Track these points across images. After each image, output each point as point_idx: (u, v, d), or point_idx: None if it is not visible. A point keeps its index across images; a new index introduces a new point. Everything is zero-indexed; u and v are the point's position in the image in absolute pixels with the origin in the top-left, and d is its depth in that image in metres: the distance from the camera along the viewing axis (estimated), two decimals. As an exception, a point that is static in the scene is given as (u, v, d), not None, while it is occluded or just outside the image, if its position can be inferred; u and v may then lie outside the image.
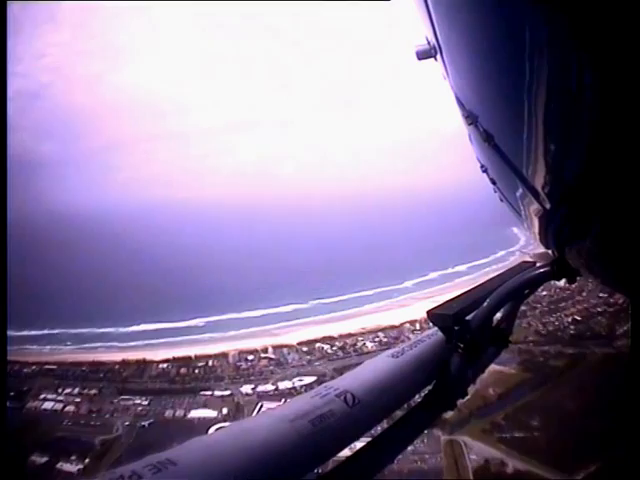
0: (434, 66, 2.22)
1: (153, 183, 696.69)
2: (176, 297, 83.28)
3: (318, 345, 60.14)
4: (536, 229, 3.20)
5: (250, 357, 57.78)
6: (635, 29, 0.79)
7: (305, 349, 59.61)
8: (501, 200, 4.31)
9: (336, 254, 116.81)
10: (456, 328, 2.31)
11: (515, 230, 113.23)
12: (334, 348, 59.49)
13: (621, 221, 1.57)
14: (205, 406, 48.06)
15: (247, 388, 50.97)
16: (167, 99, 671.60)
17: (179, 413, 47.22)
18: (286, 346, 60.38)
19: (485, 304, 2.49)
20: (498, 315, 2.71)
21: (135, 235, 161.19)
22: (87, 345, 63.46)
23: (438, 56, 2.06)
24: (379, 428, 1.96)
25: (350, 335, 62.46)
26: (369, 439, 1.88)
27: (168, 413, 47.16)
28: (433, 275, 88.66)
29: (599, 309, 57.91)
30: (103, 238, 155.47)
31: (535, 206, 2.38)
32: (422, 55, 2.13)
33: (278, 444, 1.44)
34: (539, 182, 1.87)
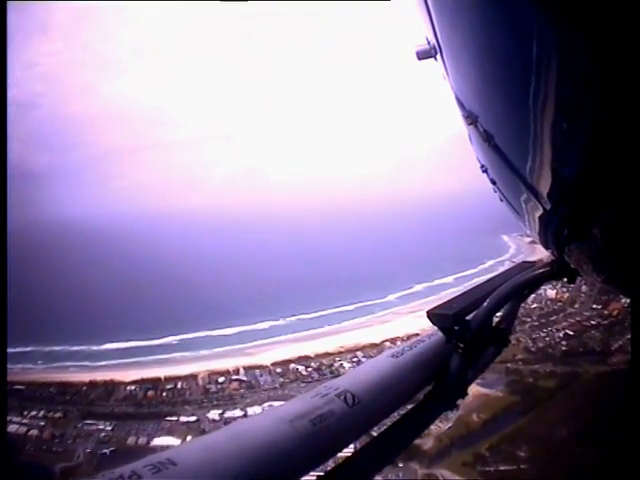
0: (434, 66, 2.35)
1: (142, 193, 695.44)
2: (151, 313, 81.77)
3: (292, 366, 59.77)
4: (536, 229, 3.33)
5: (220, 379, 57.21)
6: (635, 28, 0.84)
7: (279, 370, 59.19)
8: (501, 200, 4.46)
9: (320, 265, 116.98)
10: (456, 328, 2.42)
11: (505, 238, 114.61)
12: (309, 369, 59.24)
13: (621, 221, 1.69)
14: (169, 433, 47.23)
15: (214, 414, 50.42)
16: (158, 108, 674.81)
17: (142, 440, 46.43)
18: (259, 367, 60.01)
19: (485, 304, 2.63)
20: (498, 315, 2.83)
21: (119, 246, 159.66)
22: (58, 364, 62.24)
23: (438, 56, 2.17)
24: (379, 428, 2.04)
25: (327, 354, 62.29)
26: (369, 439, 1.97)
27: (131, 440, 46.43)
28: (418, 287, 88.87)
29: (592, 322, 57.91)
30: (85, 249, 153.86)
31: (535, 206, 2.51)
32: (422, 55, 2.25)
33: (278, 444, 1.49)
34: (539, 182, 1.98)
